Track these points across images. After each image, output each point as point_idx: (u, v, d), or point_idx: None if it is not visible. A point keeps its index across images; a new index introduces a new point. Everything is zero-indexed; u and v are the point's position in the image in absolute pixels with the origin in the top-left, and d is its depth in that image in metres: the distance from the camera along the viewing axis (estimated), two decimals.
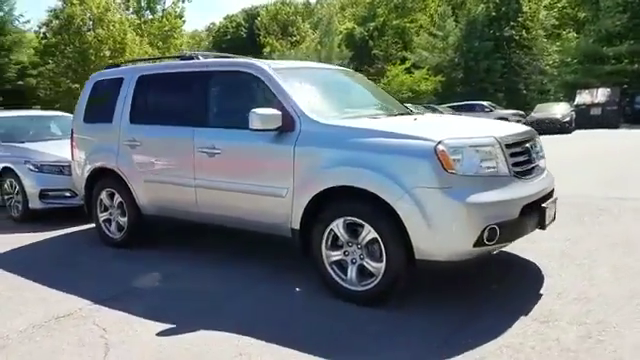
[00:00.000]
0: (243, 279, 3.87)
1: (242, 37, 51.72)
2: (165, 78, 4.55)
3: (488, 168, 3.07)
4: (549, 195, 3.48)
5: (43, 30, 31.23)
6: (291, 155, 3.46)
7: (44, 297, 3.68)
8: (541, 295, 3.29)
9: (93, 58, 30.59)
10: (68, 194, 5.95)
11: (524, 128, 3.77)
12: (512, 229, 3.07)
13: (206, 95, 4.13)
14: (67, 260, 4.63)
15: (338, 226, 3.25)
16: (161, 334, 3.00)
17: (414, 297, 3.31)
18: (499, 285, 3.51)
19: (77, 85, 25.48)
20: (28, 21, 39.23)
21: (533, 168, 3.45)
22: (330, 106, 3.87)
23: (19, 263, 4.57)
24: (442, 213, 2.93)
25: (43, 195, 6.03)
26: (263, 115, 3.46)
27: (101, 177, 4.89)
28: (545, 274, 3.65)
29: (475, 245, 2.92)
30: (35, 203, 6.06)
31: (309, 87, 3.98)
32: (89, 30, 30.82)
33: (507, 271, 3.83)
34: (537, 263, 3.88)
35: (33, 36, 32.50)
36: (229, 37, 53.39)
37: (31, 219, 6.18)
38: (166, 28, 34.86)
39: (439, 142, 2.97)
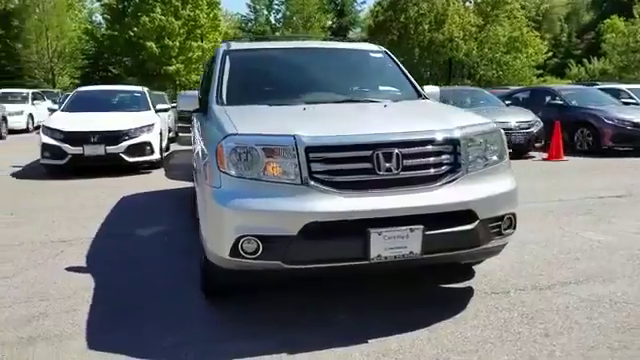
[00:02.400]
0: None
1: None
2: None
3: (274, 172, 2.63)
4: (404, 218, 2.64)
5: (377, 9, 35.03)
6: None
7: None
8: None
9: (412, 32, 32.70)
10: None
11: (372, 130, 2.85)
12: (289, 247, 2.56)
13: None
14: None
15: None
16: None
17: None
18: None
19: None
20: (364, 1, 44.62)
21: (378, 181, 2.67)
22: (242, 94, 3.77)
23: None
24: (206, 214, 2.77)
25: None
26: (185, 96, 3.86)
27: None
28: None
29: (231, 255, 2.62)
30: None
31: (248, 72, 3.99)
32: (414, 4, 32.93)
33: None
34: None
35: (366, 16, 37.07)
36: None
37: None
38: None
39: (224, 137, 2.74)
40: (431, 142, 2.81)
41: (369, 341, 2.64)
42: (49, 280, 3.58)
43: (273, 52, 4.32)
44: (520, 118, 10.20)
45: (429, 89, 4.21)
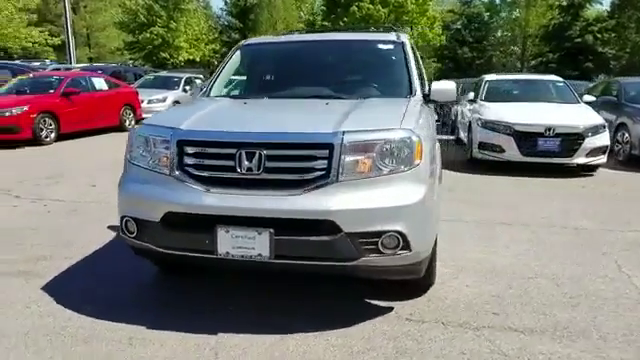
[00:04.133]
0: None
1: None
2: None
3: (155, 162, 2.85)
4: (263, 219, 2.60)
5: None
6: None
7: None
8: None
9: None
10: None
11: (247, 129, 2.77)
12: (154, 232, 2.77)
13: None
14: None
15: None
16: None
17: None
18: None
19: None
20: None
21: (239, 180, 2.66)
22: (227, 87, 3.97)
23: None
24: None
25: None
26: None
27: None
28: None
29: (122, 232, 2.97)
30: None
31: (247, 66, 4.16)
32: None
33: None
34: None
35: None
36: None
37: None
38: None
39: (141, 127, 3.08)
40: (299, 146, 2.67)
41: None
42: None
43: (280, 46, 4.40)
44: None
45: (438, 85, 3.77)
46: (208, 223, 2.65)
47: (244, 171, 2.65)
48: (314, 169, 2.62)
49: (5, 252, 4.00)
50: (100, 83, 12.33)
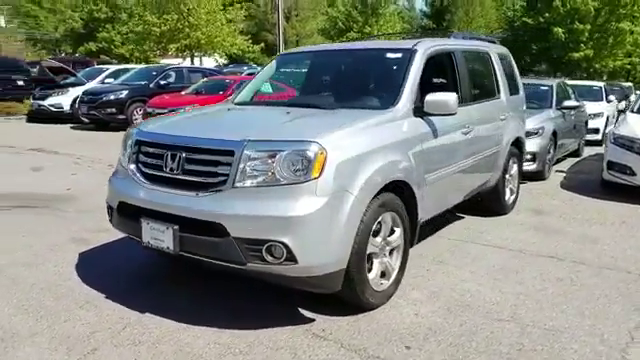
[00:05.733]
0: None
1: None
2: None
3: (124, 157, 3.37)
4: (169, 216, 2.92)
5: None
6: None
7: None
8: None
9: None
10: None
11: (178, 133, 3.09)
12: (114, 217, 3.34)
13: None
14: None
15: None
16: None
17: None
18: None
19: None
20: None
21: (164, 177, 3.01)
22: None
23: None
24: None
25: None
26: None
27: None
28: None
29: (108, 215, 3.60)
30: None
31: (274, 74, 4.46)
32: None
33: None
34: None
35: None
36: None
37: None
38: None
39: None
40: (208, 151, 2.90)
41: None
42: None
43: (306, 56, 4.54)
44: None
45: (434, 97, 3.55)
46: (137, 214, 3.09)
47: (168, 170, 3.01)
48: (218, 174, 2.83)
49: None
50: (267, 87, 13.81)
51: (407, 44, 4.03)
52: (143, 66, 17.22)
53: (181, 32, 22.11)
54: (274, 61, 4.69)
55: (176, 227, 2.87)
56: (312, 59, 4.53)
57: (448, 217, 5.15)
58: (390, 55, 4.02)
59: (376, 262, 3.22)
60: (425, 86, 3.75)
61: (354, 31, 33.86)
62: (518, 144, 5.63)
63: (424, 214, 3.71)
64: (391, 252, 3.39)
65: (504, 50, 5.75)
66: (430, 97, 3.56)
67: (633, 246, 4.56)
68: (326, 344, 2.81)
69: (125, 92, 13.10)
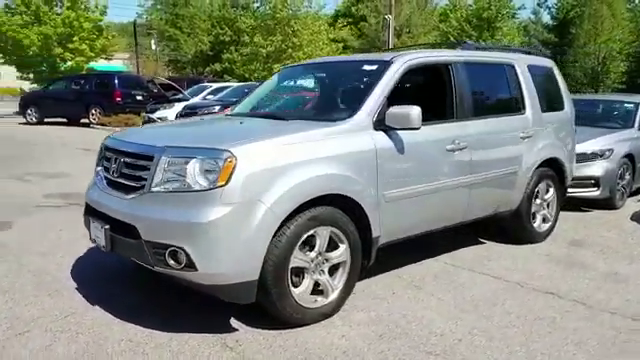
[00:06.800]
0: None
1: None
2: None
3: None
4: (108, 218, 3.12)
5: None
6: None
7: None
8: None
9: None
10: None
11: (125, 139, 3.27)
12: (84, 214, 3.55)
13: None
14: None
15: None
16: None
17: None
18: None
19: None
20: None
21: (109, 180, 3.23)
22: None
23: None
24: None
25: None
26: None
27: None
28: None
29: None
30: None
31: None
32: None
33: None
34: None
35: None
36: None
37: None
38: None
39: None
40: (136, 156, 3.06)
41: None
42: None
43: (302, 68, 4.54)
44: None
45: (395, 109, 3.38)
46: (88, 213, 3.35)
47: (111, 174, 3.23)
48: (141, 178, 2.98)
49: None
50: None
51: (389, 56, 3.87)
52: (239, 84, 18.39)
53: (284, 52, 23.23)
54: (276, 75, 4.78)
55: (107, 227, 3.07)
56: (302, 72, 4.55)
57: (463, 240, 4.78)
58: (366, 67, 3.87)
59: (307, 278, 3.12)
60: (403, 100, 3.56)
61: None
62: (556, 166, 5.02)
63: (386, 233, 3.50)
64: (334, 269, 3.26)
65: (543, 62, 5.22)
66: (391, 110, 3.38)
67: None
68: (227, 356, 2.78)
69: (217, 107, 14.08)
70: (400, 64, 3.69)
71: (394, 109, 3.37)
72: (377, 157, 3.36)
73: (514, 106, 4.64)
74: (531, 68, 4.85)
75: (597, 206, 6.39)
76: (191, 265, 2.71)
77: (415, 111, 3.31)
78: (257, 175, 2.79)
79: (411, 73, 3.76)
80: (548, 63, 5.28)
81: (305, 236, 3.02)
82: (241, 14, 28.81)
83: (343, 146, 3.23)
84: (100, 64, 33.15)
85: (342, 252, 3.24)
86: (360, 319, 3.24)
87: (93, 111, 18.31)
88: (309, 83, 4.42)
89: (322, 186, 3.05)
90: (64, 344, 2.87)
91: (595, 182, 6.26)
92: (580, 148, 6.23)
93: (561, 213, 5.94)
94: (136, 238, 2.86)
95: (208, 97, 16.54)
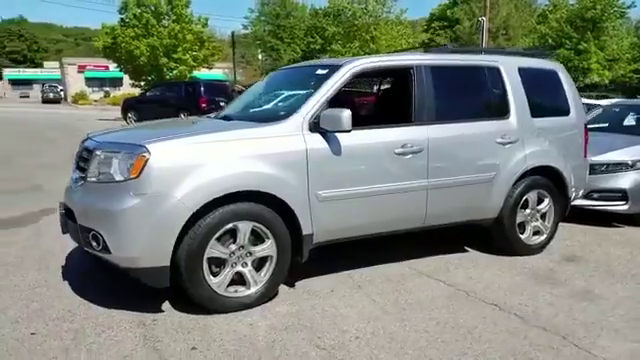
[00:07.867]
0: None
1: None
2: None
3: None
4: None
5: None
6: None
7: None
8: None
9: None
10: None
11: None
12: None
13: None
14: None
15: None
16: None
17: None
18: None
19: None
20: None
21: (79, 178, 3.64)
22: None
23: None
24: None
25: None
26: None
27: None
28: None
29: None
30: None
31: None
32: None
33: None
34: None
35: None
36: None
37: None
38: None
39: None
40: (87, 150, 3.47)
41: None
42: None
43: (280, 73, 4.75)
44: None
45: (328, 112, 3.52)
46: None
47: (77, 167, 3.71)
48: (85, 170, 3.39)
49: None
50: None
51: (343, 61, 3.97)
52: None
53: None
54: (266, 77, 5.07)
55: (62, 211, 3.55)
56: (280, 77, 4.79)
57: (447, 247, 4.70)
58: (319, 72, 3.99)
59: (227, 268, 3.35)
60: (348, 104, 3.67)
61: (565, 48, 30.42)
62: (552, 174, 4.72)
63: (322, 232, 3.61)
64: (262, 263, 3.45)
65: (544, 65, 4.93)
66: (324, 113, 3.50)
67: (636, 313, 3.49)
68: (137, 331, 3.08)
69: None
70: (347, 69, 3.78)
71: (326, 112, 3.49)
72: (308, 157, 3.49)
73: (494, 110, 4.48)
74: (524, 71, 4.63)
75: (625, 221, 5.83)
76: (106, 248, 3.08)
77: (345, 114, 3.40)
78: (168, 170, 3.09)
79: (362, 77, 3.83)
80: (551, 66, 4.98)
81: (223, 229, 3.25)
82: (329, 22, 29.51)
83: (270, 146, 3.42)
84: (202, 72, 35.77)
85: (267, 247, 3.42)
86: (279, 311, 3.40)
87: (182, 115, 19.95)
88: (280, 87, 4.62)
89: (238, 183, 3.26)
90: (18, 308, 3.39)
91: (622, 195, 5.73)
92: (605, 157, 5.78)
93: (585, 227, 5.59)
94: (75, 222, 3.30)
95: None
